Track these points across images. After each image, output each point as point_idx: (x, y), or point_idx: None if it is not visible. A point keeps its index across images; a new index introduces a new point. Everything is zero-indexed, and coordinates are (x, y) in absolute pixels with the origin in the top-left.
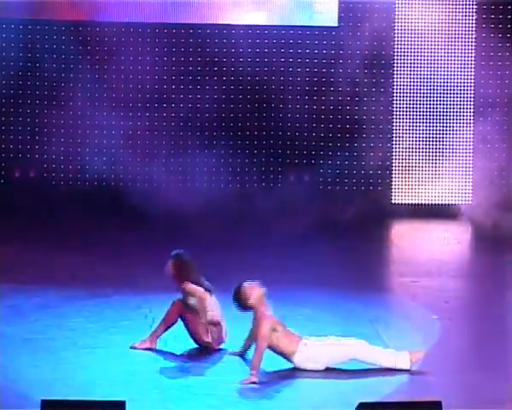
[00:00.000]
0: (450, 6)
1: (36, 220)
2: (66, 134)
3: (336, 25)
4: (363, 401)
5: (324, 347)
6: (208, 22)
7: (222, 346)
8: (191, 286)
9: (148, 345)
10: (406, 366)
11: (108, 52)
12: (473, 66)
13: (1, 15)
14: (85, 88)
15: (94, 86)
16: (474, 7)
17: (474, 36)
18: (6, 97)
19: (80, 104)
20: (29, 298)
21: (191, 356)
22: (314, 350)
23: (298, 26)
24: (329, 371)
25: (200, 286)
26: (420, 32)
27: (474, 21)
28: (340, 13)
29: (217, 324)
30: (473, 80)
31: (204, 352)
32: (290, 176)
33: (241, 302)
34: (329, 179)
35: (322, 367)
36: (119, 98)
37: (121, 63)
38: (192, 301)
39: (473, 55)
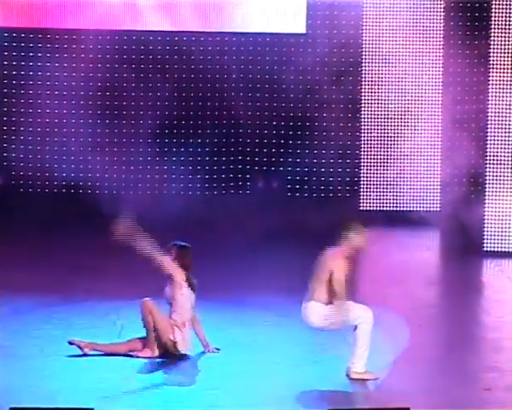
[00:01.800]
0: (418, 12)
1: (5, 227)
2: (34, 141)
3: (304, 32)
4: (332, 407)
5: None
6: (179, 30)
7: (188, 352)
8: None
9: (149, 353)
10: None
11: (76, 59)
12: (440, 71)
13: None
14: (51, 95)
15: (60, 93)
16: (442, 12)
17: (441, 42)
18: None
19: (48, 112)
20: None
21: (159, 363)
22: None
23: (266, 34)
24: (298, 376)
25: (188, 281)
26: (388, 38)
27: (441, 27)
28: (307, 20)
29: (182, 326)
30: (440, 87)
31: (173, 359)
32: (258, 182)
33: None
34: (297, 186)
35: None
36: (86, 106)
37: (87, 70)
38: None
39: (440, 61)
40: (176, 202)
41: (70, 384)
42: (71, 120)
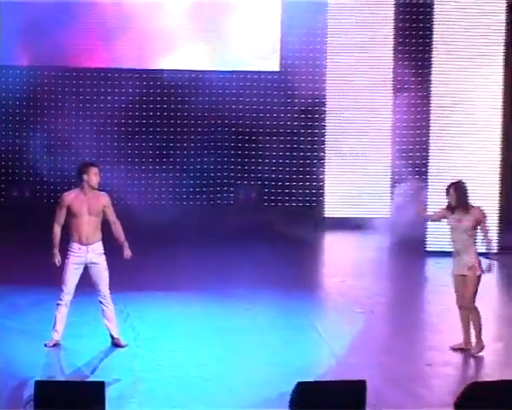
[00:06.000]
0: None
1: (32, 237)
2: (60, 154)
3: (278, 69)
4: (301, 381)
5: None
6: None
7: None
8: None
9: None
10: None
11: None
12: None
13: None
14: (75, 112)
15: (84, 112)
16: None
17: (391, 77)
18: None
19: (67, 129)
20: (25, 296)
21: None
22: None
23: (240, 72)
24: (269, 357)
25: None
26: (348, 77)
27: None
28: (281, 59)
29: None
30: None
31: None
32: (239, 194)
33: None
34: (273, 197)
35: None
36: (108, 123)
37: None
38: None
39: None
40: (167, 212)
41: (86, 361)
42: (94, 135)
